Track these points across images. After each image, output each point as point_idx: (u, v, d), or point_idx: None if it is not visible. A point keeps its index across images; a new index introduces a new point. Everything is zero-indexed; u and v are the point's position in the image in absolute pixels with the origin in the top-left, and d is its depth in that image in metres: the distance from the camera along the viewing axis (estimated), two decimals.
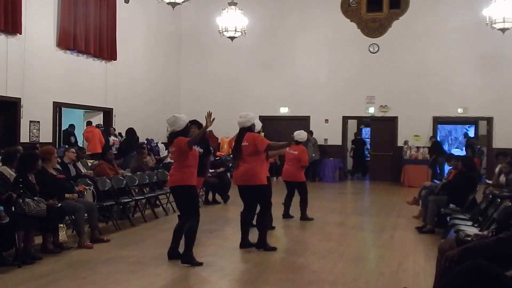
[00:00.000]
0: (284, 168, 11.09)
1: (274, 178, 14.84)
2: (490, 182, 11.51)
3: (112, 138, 16.70)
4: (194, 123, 8.47)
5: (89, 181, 9.63)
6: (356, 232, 9.83)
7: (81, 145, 15.44)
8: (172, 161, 8.36)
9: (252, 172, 7.90)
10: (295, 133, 10.59)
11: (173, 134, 7.23)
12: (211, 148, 10.91)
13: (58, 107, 15.79)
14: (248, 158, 7.98)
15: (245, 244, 8.09)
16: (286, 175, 11.00)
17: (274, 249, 7.93)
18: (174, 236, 7.27)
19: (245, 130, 8.29)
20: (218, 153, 18.54)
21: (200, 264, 6.94)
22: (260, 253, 7.78)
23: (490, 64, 19.03)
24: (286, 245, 8.67)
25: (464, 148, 22.31)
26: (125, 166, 13.50)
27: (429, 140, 19.36)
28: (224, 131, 21.34)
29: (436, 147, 18.94)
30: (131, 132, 16.68)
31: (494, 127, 19.24)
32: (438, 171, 18.55)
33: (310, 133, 19.84)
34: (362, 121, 23.58)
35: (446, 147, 21.80)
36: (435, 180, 13.27)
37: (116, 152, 14.81)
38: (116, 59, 17.66)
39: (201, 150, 8.71)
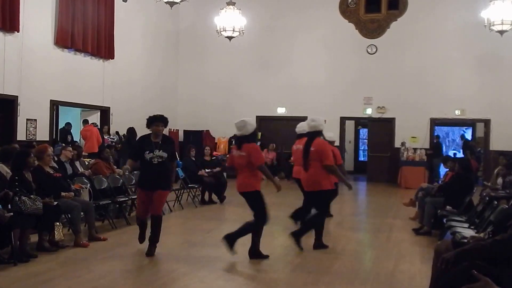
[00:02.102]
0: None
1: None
2: (487, 184, 11.53)
3: (106, 137, 16.71)
4: (161, 120, 7.44)
5: (85, 180, 9.62)
6: (352, 233, 9.83)
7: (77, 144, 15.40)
8: None
9: (319, 178, 7.94)
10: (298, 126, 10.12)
11: (241, 138, 7.40)
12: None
13: (55, 105, 15.76)
14: (314, 163, 7.98)
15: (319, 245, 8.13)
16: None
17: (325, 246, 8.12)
18: (253, 236, 7.40)
19: (316, 134, 8.15)
20: (214, 153, 18.56)
21: (267, 256, 7.35)
22: None
23: (488, 66, 19.04)
24: (283, 245, 8.66)
25: (461, 150, 22.32)
26: (122, 165, 13.50)
27: (434, 139, 19.48)
28: (221, 131, 21.32)
29: (436, 147, 19.00)
30: (132, 131, 16.71)
31: (492, 129, 19.25)
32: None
33: None
34: (360, 122, 23.61)
35: (443, 149, 21.80)
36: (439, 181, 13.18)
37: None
38: (113, 58, 17.62)
39: (165, 155, 7.40)
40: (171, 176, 7.84)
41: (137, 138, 8.16)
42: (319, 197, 8.09)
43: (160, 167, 7.36)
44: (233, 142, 7.44)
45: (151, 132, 7.50)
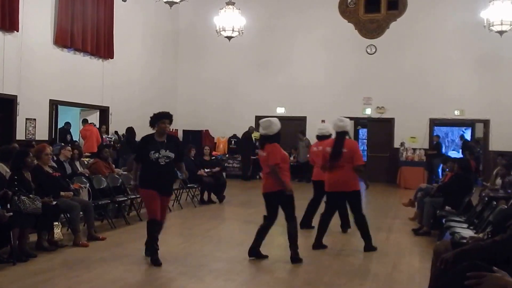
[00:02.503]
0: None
1: None
2: (486, 184, 11.54)
3: (104, 136, 16.71)
4: (168, 117, 7.07)
5: (84, 179, 9.62)
6: (351, 233, 9.81)
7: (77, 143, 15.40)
8: None
9: (351, 178, 8.05)
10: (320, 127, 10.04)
11: (265, 137, 7.37)
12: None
13: (54, 105, 15.75)
14: (346, 165, 8.03)
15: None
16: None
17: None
18: (257, 236, 7.39)
19: (344, 134, 8.22)
20: (214, 153, 18.56)
21: (266, 256, 7.40)
22: None
23: (488, 66, 19.04)
24: (281, 245, 8.65)
25: (460, 150, 22.31)
26: (122, 165, 13.50)
27: (434, 140, 19.49)
28: (220, 130, 21.36)
29: (437, 148, 19.01)
30: (131, 131, 16.70)
31: (491, 130, 19.25)
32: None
33: (302, 133, 19.89)
34: (359, 122, 23.61)
35: (442, 149, 21.79)
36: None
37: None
38: (113, 58, 17.63)
39: (172, 155, 7.05)
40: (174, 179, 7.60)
41: (140, 139, 7.63)
42: (351, 197, 8.17)
43: (168, 168, 7.03)
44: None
45: (154, 131, 7.11)
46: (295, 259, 7.22)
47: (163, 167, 6.93)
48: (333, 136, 8.60)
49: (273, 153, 7.21)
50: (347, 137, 8.29)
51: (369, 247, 8.15)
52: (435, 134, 20.23)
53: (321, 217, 8.51)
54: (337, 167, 8.06)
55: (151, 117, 7.14)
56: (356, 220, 8.27)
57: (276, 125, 7.35)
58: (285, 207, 7.29)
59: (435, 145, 19.57)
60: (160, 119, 7.04)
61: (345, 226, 9.67)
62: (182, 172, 7.81)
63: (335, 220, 10.19)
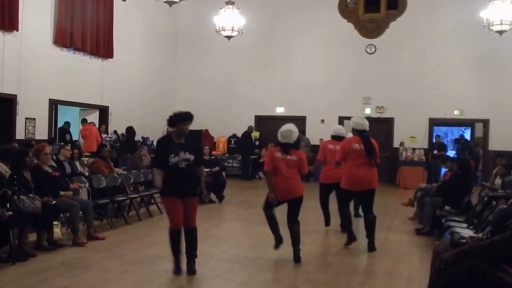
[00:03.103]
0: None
1: None
2: (486, 184, 11.53)
3: (103, 136, 16.71)
4: (190, 118, 6.57)
5: (84, 179, 9.61)
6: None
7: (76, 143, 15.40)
8: None
9: (377, 175, 8.39)
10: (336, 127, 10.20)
11: (287, 145, 7.42)
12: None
13: (54, 104, 15.75)
14: (370, 162, 8.28)
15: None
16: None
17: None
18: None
19: (367, 133, 8.46)
20: (213, 152, 18.55)
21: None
22: (254, 253, 7.77)
23: (487, 66, 19.04)
24: (281, 245, 8.66)
25: (455, 152, 22.28)
26: (121, 165, 13.50)
27: (436, 138, 19.52)
28: (220, 130, 21.37)
29: (443, 147, 18.99)
30: (130, 130, 16.71)
31: (491, 129, 19.25)
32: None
33: (302, 133, 19.86)
34: None
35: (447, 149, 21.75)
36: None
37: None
38: (112, 57, 17.62)
39: (191, 157, 6.56)
40: (200, 180, 6.87)
41: (156, 142, 6.93)
42: (373, 194, 8.54)
43: (188, 171, 6.50)
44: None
45: (172, 131, 6.66)
46: (299, 258, 7.39)
47: (183, 170, 6.44)
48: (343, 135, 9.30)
49: (305, 160, 7.56)
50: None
51: (373, 247, 8.31)
52: (435, 134, 20.23)
53: (341, 215, 8.81)
54: (369, 164, 8.24)
55: (171, 117, 6.54)
56: (373, 218, 8.58)
57: (296, 132, 7.48)
58: (298, 208, 7.58)
59: (440, 145, 19.48)
60: (183, 120, 6.51)
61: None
62: (200, 177, 6.87)
63: (333, 220, 10.22)
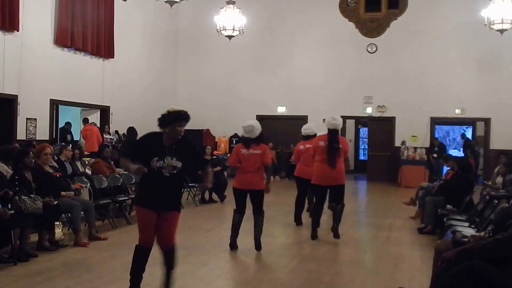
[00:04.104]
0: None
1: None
2: (487, 183, 11.51)
3: (105, 137, 16.72)
4: (186, 118, 5.52)
5: (85, 179, 9.61)
6: (352, 232, 9.81)
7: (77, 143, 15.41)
8: None
9: (343, 172, 8.77)
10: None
11: (250, 140, 7.85)
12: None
13: (55, 105, 15.76)
14: (339, 159, 8.70)
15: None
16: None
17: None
18: (236, 229, 8.01)
19: (337, 132, 8.87)
20: (215, 152, 18.54)
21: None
22: (255, 253, 7.76)
23: (488, 65, 19.03)
24: (282, 244, 8.65)
25: (461, 149, 22.29)
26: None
27: (435, 142, 19.50)
28: (221, 130, 21.36)
29: (442, 149, 18.98)
30: (131, 130, 16.70)
31: (492, 128, 19.24)
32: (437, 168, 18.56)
33: None
34: (360, 121, 23.60)
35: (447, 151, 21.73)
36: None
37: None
38: (113, 57, 17.63)
39: (179, 164, 5.35)
40: (205, 179, 5.89)
41: (142, 135, 5.83)
42: (343, 189, 8.86)
43: (173, 181, 5.37)
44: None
45: (165, 131, 5.44)
46: (259, 246, 7.90)
47: (167, 180, 5.31)
48: (319, 133, 9.42)
49: (268, 152, 7.99)
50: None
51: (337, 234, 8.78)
52: (435, 133, 20.22)
53: (313, 210, 9.23)
54: (338, 162, 8.63)
55: (163, 115, 5.47)
56: (340, 208, 8.84)
57: (258, 128, 7.89)
58: (261, 201, 7.97)
59: (439, 146, 19.48)
60: (178, 120, 5.42)
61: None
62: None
63: (331, 221, 10.21)
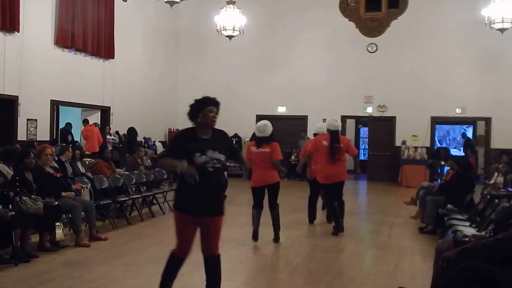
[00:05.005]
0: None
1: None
2: (489, 182, 11.50)
3: (108, 137, 16.72)
4: (216, 103, 4.98)
5: (86, 180, 9.61)
6: (353, 232, 9.81)
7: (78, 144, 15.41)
8: None
9: (345, 169, 9.57)
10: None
11: (263, 139, 8.41)
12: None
13: (55, 105, 15.76)
14: (342, 157, 9.44)
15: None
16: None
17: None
18: (257, 221, 8.49)
19: (337, 132, 9.49)
20: None
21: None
22: (257, 253, 7.77)
23: (489, 64, 19.03)
24: (283, 244, 8.65)
25: (462, 148, 22.28)
26: (123, 165, 13.49)
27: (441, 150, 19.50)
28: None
29: (437, 152, 18.92)
30: (132, 131, 16.70)
31: (493, 128, 19.24)
32: (439, 171, 18.52)
33: (305, 132, 19.88)
34: (360, 121, 23.60)
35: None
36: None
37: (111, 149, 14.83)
38: (114, 58, 17.62)
39: (222, 157, 4.90)
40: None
41: (175, 135, 5.39)
42: (342, 185, 9.58)
43: (217, 176, 4.89)
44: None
45: (197, 122, 4.96)
46: (278, 238, 8.59)
47: (212, 175, 4.82)
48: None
49: (278, 149, 8.46)
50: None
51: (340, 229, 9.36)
52: (436, 132, 20.21)
53: (329, 206, 9.89)
54: (338, 160, 9.33)
55: (190, 106, 5.04)
56: (339, 205, 9.45)
57: (271, 127, 8.47)
58: (276, 194, 8.62)
59: (436, 151, 19.44)
60: (206, 105, 4.93)
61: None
62: (245, 164, 5.83)
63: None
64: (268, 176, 8.39)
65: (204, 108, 4.90)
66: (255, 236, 8.47)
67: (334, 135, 9.39)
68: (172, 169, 4.97)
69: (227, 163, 5.47)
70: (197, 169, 4.69)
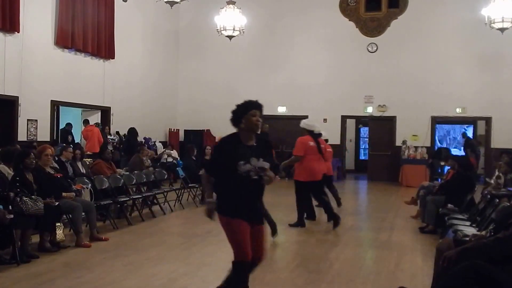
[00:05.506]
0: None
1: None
2: (490, 181, 11.49)
3: (108, 137, 16.72)
4: (259, 107, 4.94)
5: (86, 180, 9.61)
6: (353, 232, 9.82)
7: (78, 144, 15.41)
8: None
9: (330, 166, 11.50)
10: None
11: (318, 134, 9.88)
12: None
13: (56, 106, 15.76)
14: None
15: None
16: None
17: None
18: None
19: (321, 135, 10.46)
20: None
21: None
22: None
23: (489, 63, 19.03)
24: (283, 245, 8.65)
25: (462, 148, 22.27)
26: (123, 166, 13.50)
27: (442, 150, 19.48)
28: (222, 130, 21.21)
29: (438, 153, 18.92)
30: (132, 131, 16.70)
31: (493, 127, 19.24)
32: (439, 170, 18.51)
33: None
34: (361, 120, 23.60)
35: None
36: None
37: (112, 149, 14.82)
38: (114, 58, 17.62)
39: (266, 165, 4.72)
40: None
41: (218, 143, 5.23)
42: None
43: (259, 185, 4.76)
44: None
45: (241, 128, 4.95)
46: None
47: (256, 184, 4.70)
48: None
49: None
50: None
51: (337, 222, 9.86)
52: (436, 132, 20.20)
53: (320, 201, 10.46)
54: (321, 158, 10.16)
55: (232, 111, 5.06)
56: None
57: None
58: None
59: (436, 151, 19.43)
60: (249, 109, 4.87)
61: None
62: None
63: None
64: None
65: (247, 113, 4.83)
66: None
67: (319, 137, 10.21)
68: (205, 191, 4.95)
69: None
70: (241, 178, 4.58)
